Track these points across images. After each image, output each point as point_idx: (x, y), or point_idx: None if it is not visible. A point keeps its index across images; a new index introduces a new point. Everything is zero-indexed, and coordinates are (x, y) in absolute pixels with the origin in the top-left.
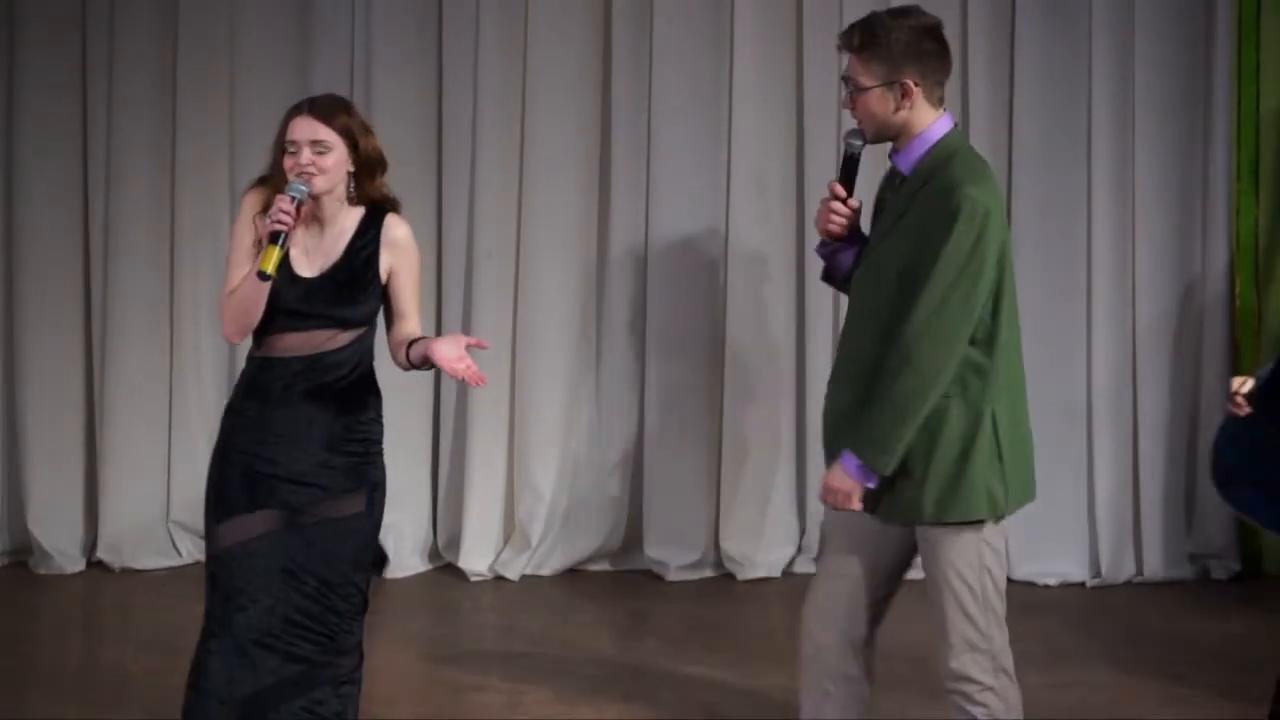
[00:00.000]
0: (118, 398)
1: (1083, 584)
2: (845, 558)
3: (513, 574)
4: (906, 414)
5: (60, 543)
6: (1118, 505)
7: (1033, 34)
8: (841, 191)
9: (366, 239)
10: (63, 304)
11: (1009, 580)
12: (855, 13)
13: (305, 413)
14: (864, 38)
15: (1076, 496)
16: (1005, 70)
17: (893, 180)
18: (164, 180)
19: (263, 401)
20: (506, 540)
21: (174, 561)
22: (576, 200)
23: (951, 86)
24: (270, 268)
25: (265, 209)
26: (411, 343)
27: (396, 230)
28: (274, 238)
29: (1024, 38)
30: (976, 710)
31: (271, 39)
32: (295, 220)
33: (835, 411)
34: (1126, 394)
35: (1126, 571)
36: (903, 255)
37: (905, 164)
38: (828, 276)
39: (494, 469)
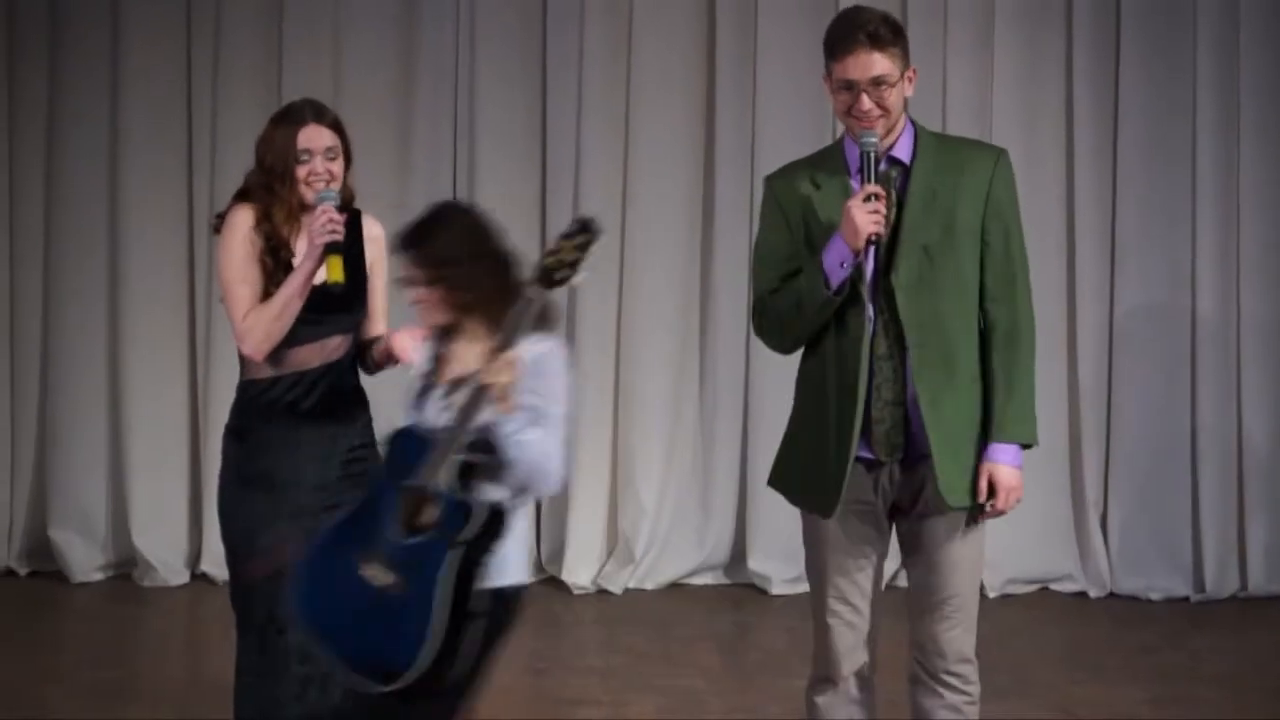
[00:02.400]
0: (221, 412)
1: (1187, 599)
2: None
3: (616, 587)
4: (1034, 388)
5: (165, 555)
6: (1222, 520)
7: (1136, 53)
8: (882, 191)
9: (351, 239)
10: (166, 320)
11: (1113, 595)
12: (959, 11)
13: (326, 426)
14: (896, 30)
15: (1180, 511)
16: (1110, 88)
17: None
18: None
19: (284, 421)
20: (610, 553)
21: None
22: (680, 213)
23: (1055, 105)
24: (341, 277)
25: (263, 220)
26: (373, 342)
27: (374, 227)
28: (334, 248)
29: (1128, 55)
30: (971, 690)
31: (376, 46)
32: (343, 226)
33: (946, 417)
34: (1230, 407)
35: (1231, 586)
36: (963, 228)
37: (905, 148)
38: (837, 290)
39: (597, 482)
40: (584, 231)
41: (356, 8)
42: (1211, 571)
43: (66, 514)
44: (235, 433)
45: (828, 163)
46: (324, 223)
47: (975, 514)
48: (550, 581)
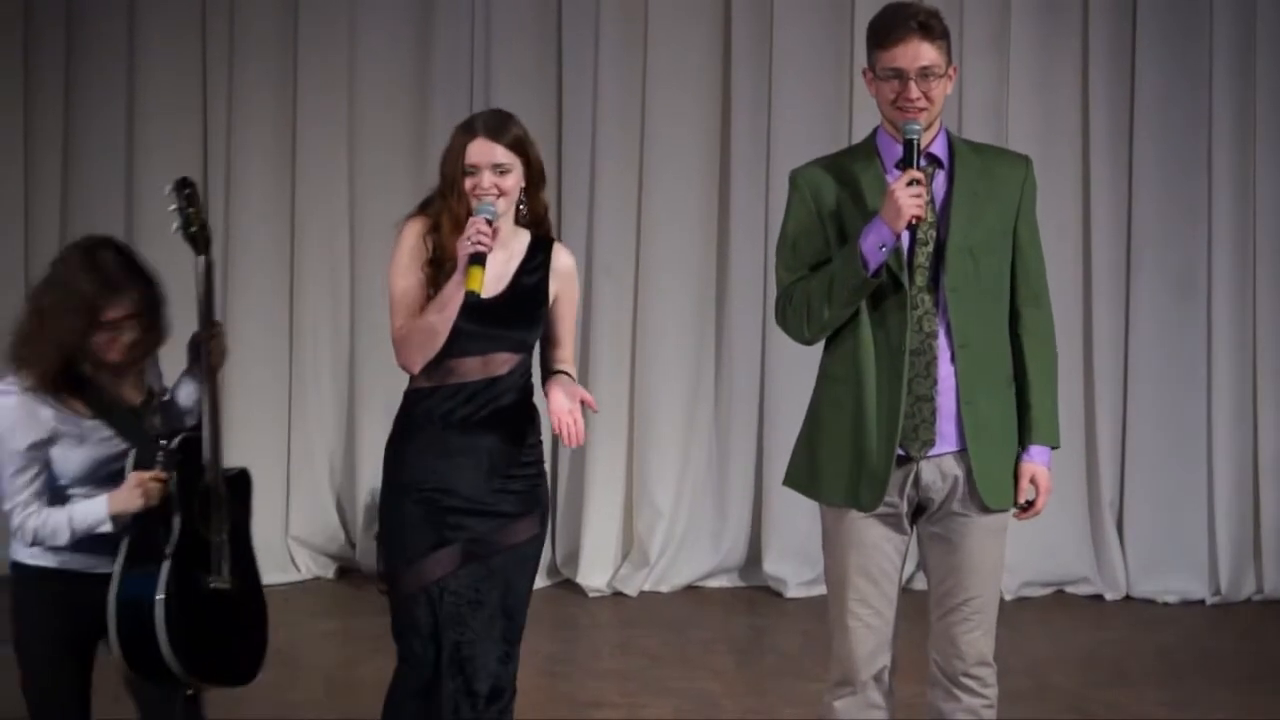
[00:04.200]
0: (236, 414)
1: (1202, 601)
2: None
3: (631, 590)
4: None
5: None
6: (1238, 522)
7: (1153, 55)
8: (921, 176)
9: (535, 264)
10: (183, 320)
11: (1129, 598)
12: (975, 17)
13: (483, 440)
14: (943, 25)
15: (1196, 513)
16: (1126, 91)
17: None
18: (283, 202)
19: (440, 431)
20: (625, 556)
21: (293, 577)
22: (696, 215)
23: (1071, 108)
24: (480, 287)
25: (432, 230)
26: (553, 373)
27: (564, 258)
28: (477, 259)
29: (1144, 59)
30: (989, 693)
31: (391, 46)
32: (493, 240)
33: (984, 417)
34: (1247, 409)
35: (1247, 589)
36: (999, 231)
37: (941, 147)
38: (874, 273)
39: (613, 485)
40: (184, 188)
41: (372, 7)
42: (1227, 574)
43: None
44: (393, 441)
45: (859, 158)
46: (471, 233)
47: (1016, 515)
48: (565, 584)
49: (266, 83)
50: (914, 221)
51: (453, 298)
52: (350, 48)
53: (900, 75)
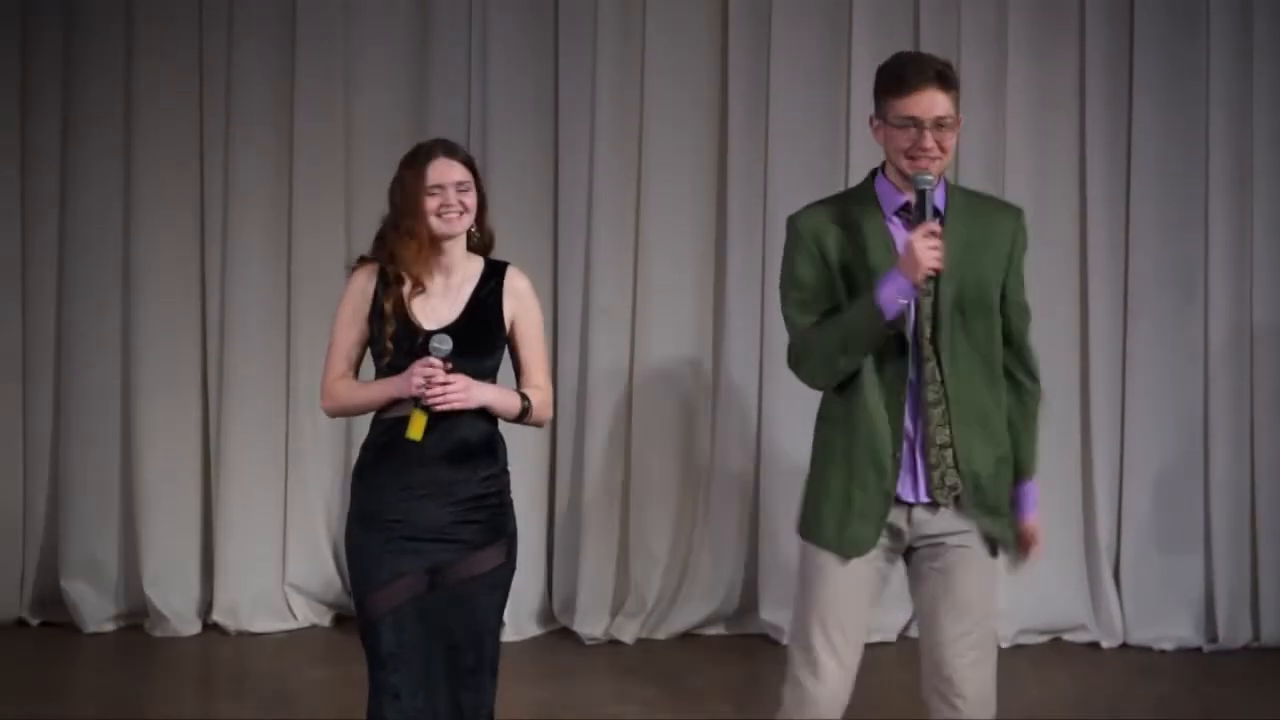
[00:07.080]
0: (234, 461)
1: (1199, 649)
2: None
3: (627, 638)
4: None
5: (176, 605)
6: (1235, 570)
7: (1149, 100)
8: (938, 228)
9: (489, 289)
10: (180, 367)
11: (1125, 645)
12: (972, 33)
13: (444, 470)
14: (955, 76)
15: (1193, 561)
16: (1123, 139)
17: (896, 218)
18: (280, 243)
19: (401, 463)
20: (621, 604)
21: (290, 625)
22: (692, 256)
23: (1068, 152)
24: (419, 435)
25: (381, 282)
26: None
27: (518, 281)
28: (421, 404)
29: (1140, 106)
30: None
31: (388, 91)
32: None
33: (980, 465)
34: (1244, 456)
35: (1244, 637)
36: (991, 283)
37: (940, 197)
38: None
39: (608, 532)
40: None
41: (366, 33)
42: (1224, 622)
43: (78, 564)
44: (357, 471)
45: (857, 204)
46: (421, 379)
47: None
48: (561, 632)
49: (263, 100)
50: (932, 274)
51: (382, 401)
52: (345, 78)
53: (916, 124)
